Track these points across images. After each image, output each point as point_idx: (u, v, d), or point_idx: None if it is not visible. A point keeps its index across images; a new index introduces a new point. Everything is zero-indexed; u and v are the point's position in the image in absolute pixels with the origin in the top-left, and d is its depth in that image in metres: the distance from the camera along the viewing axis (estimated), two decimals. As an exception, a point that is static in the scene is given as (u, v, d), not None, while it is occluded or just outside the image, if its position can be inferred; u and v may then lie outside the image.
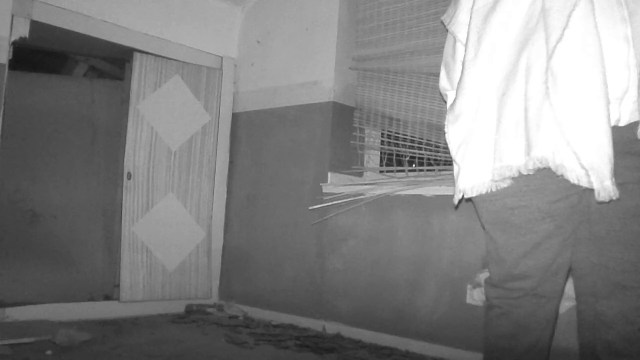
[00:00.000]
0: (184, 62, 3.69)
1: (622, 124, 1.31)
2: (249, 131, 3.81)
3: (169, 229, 3.59)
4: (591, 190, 1.25)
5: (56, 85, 4.26)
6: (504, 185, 1.36)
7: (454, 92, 1.53)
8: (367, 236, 3.10)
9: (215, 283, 3.80)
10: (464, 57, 1.44)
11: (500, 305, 1.46)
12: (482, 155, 1.38)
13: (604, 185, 1.22)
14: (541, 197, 1.36)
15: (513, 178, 1.34)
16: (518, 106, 1.31)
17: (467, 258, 2.71)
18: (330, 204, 3.19)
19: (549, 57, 1.25)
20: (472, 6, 1.44)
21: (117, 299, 3.45)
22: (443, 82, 1.64)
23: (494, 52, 1.37)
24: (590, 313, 1.38)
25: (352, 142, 3.36)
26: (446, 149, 2.95)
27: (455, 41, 1.55)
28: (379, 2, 3.25)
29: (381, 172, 3.32)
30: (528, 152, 1.28)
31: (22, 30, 2.98)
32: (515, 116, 1.31)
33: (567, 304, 2.15)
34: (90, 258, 4.18)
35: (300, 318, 3.33)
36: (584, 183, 1.24)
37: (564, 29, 1.24)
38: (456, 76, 1.53)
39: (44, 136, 4.16)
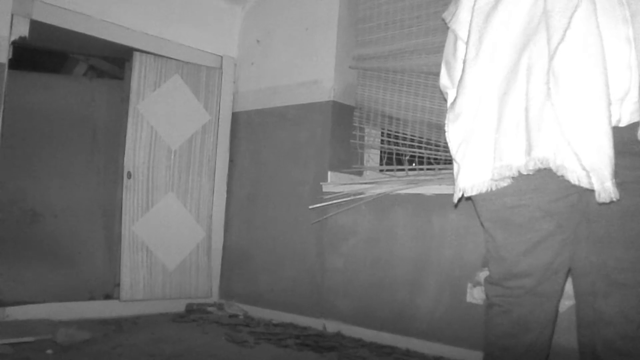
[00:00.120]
0: (183, 61, 3.69)
1: (622, 124, 1.31)
2: (249, 130, 3.81)
3: (169, 229, 3.59)
4: (591, 190, 1.25)
5: (56, 85, 4.26)
6: (504, 184, 1.37)
7: (455, 90, 1.53)
8: (367, 235, 3.11)
9: (216, 282, 3.80)
10: (465, 56, 1.44)
11: (500, 304, 1.46)
12: (482, 154, 1.38)
13: (604, 186, 1.22)
14: (541, 196, 1.37)
15: (513, 177, 1.34)
16: (519, 106, 1.31)
17: (467, 257, 2.71)
18: (330, 203, 3.19)
19: (551, 58, 1.25)
20: (474, 4, 1.44)
21: (118, 298, 3.45)
22: (444, 80, 1.64)
23: (495, 51, 1.37)
24: (589, 311, 1.39)
25: (352, 141, 3.36)
26: (446, 148, 2.95)
27: (456, 39, 1.55)
28: (378, 2, 3.25)
29: (381, 171, 3.32)
30: (529, 152, 1.28)
31: (22, 30, 2.98)
32: (516, 116, 1.31)
33: (567, 302, 2.15)
34: (90, 257, 4.18)
35: (300, 317, 3.33)
36: (584, 184, 1.24)
37: (566, 30, 1.24)
38: (457, 74, 1.53)
39: (44, 136, 4.16)
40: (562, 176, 1.27)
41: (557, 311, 1.50)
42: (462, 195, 1.45)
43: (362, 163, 3.40)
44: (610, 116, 1.23)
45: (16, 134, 3.72)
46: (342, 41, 3.39)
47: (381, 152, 3.38)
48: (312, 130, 3.42)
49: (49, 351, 2.49)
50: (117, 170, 4.03)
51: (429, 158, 3.05)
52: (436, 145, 3.01)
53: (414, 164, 3.16)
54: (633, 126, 1.31)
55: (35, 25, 3.03)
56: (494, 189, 1.38)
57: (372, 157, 3.42)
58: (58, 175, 4.19)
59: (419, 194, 2.90)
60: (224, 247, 3.85)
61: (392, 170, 3.23)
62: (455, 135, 1.46)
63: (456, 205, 1.62)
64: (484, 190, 1.39)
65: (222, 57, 3.89)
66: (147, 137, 3.53)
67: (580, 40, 1.24)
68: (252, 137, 3.79)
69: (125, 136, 3.50)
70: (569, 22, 1.24)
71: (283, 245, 3.50)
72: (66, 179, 4.22)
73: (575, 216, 1.40)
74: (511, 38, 1.34)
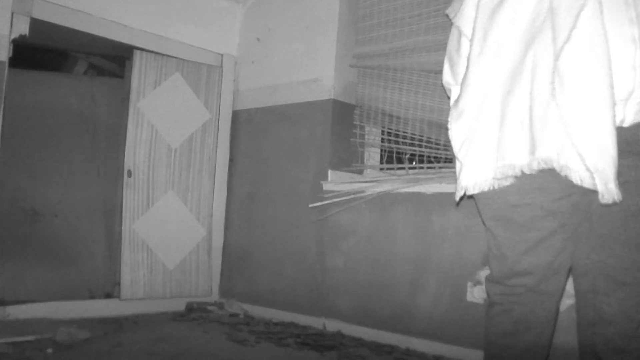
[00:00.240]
0: (184, 59, 3.68)
1: (626, 124, 1.31)
2: (249, 129, 3.80)
3: (170, 227, 3.59)
4: (594, 190, 1.25)
5: (56, 83, 4.26)
6: (506, 183, 1.36)
7: (458, 87, 1.52)
8: (368, 234, 3.10)
9: (216, 281, 3.80)
10: (469, 53, 1.43)
11: (501, 302, 1.46)
12: (484, 153, 1.38)
13: (608, 187, 1.22)
14: (544, 195, 1.36)
15: (515, 176, 1.34)
16: (523, 105, 1.30)
17: (468, 255, 2.71)
18: (330, 201, 3.18)
19: (556, 58, 1.25)
20: (479, 1, 1.43)
21: (118, 297, 3.45)
22: (447, 77, 1.63)
23: (499, 48, 1.36)
24: (589, 310, 1.38)
25: (352, 139, 3.35)
26: (447, 147, 2.96)
27: (460, 35, 1.54)
28: (379, 0, 3.24)
29: (381, 169, 3.32)
30: (532, 151, 1.28)
31: (22, 28, 2.98)
32: (519, 115, 1.31)
33: (568, 301, 2.15)
34: (90, 256, 4.18)
35: (300, 316, 3.33)
36: (587, 184, 1.24)
37: (572, 30, 1.24)
38: (460, 71, 1.53)
39: (44, 134, 4.16)
40: (566, 176, 1.26)
41: (557, 310, 1.50)
42: (464, 193, 1.45)
43: (362, 161, 3.40)
44: (614, 117, 1.23)
45: (16, 133, 3.72)
46: (342, 39, 3.38)
47: (381, 150, 3.37)
48: (312, 128, 3.42)
49: (50, 350, 2.49)
50: (117, 169, 4.03)
51: (429, 156, 3.04)
52: (436, 144, 3.00)
53: (414, 163, 3.15)
54: (637, 126, 1.31)
55: (35, 23, 3.02)
56: (496, 187, 1.37)
57: (372, 155, 3.41)
58: (58, 174, 4.19)
59: (419, 192, 2.90)
60: (224, 246, 3.84)
61: (392, 168, 3.22)
62: (458, 133, 1.45)
63: (458, 204, 1.61)
64: (486, 188, 1.39)
65: (222, 55, 3.88)
66: (147, 135, 3.52)
67: (587, 40, 1.24)
68: (252, 136, 3.78)
69: (125, 134, 3.50)
70: (576, 22, 1.24)
71: (283, 244, 3.50)
72: (66, 178, 4.22)
73: (578, 215, 1.39)
74: (516, 36, 1.34)
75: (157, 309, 3.52)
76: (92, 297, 3.88)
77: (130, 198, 3.46)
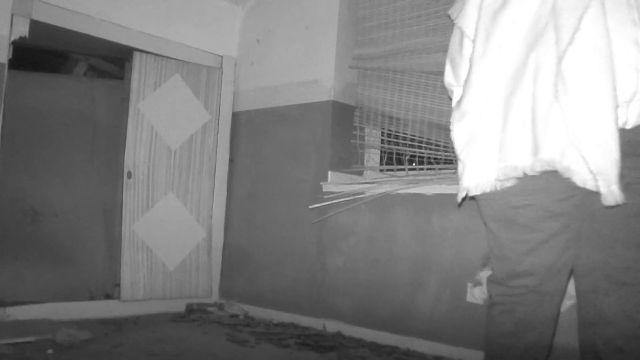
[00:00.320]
0: (184, 61, 3.69)
1: (629, 126, 1.32)
2: (249, 130, 3.81)
3: (170, 228, 3.59)
4: (596, 191, 1.25)
5: (56, 85, 4.26)
6: (508, 184, 1.36)
7: (460, 88, 1.52)
8: (368, 235, 3.10)
9: (216, 282, 3.80)
10: (472, 54, 1.43)
11: (502, 302, 1.46)
12: (486, 154, 1.38)
13: (610, 189, 1.23)
14: (546, 196, 1.36)
15: (518, 178, 1.34)
16: (525, 106, 1.31)
17: (468, 256, 2.71)
18: (330, 202, 3.19)
19: (560, 60, 1.25)
20: (481, 2, 1.43)
21: (118, 298, 3.45)
22: (448, 78, 1.63)
23: (502, 50, 1.36)
24: (590, 310, 1.39)
25: (352, 140, 3.35)
26: (446, 148, 2.96)
27: (462, 36, 1.54)
28: (379, 1, 3.25)
29: (381, 170, 3.32)
30: (535, 153, 1.28)
31: (22, 30, 2.98)
32: (522, 116, 1.31)
33: (568, 302, 2.15)
34: (90, 257, 4.18)
35: (300, 317, 3.33)
36: (590, 186, 1.24)
37: (575, 31, 1.24)
38: (462, 72, 1.52)
39: (44, 135, 4.16)
40: (569, 178, 1.27)
41: (559, 311, 1.50)
42: (466, 194, 1.45)
43: (362, 163, 3.40)
44: (617, 119, 1.23)
45: (16, 134, 3.72)
46: (342, 40, 3.39)
47: (381, 151, 3.38)
48: (312, 129, 3.42)
49: (50, 351, 2.49)
50: (117, 170, 4.03)
51: (429, 158, 3.05)
52: (436, 145, 3.00)
53: (414, 164, 3.15)
54: (639, 128, 1.32)
55: (35, 25, 3.02)
56: (498, 188, 1.38)
57: (372, 156, 3.41)
58: (58, 175, 4.20)
59: (419, 193, 2.90)
60: (224, 247, 3.85)
61: (392, 170, 3.23)
62: (461, 134, 1.45)
63: (460, 205, 1.61)
64: (488, 190, 1.38)
65: (222, 56, 3.88)
66: (147, 136, 3.53)
67: (590, 42, 1.24)
68: (252, 137, 3.79)
69: (125, 136, 3.50)
70: (579, 23, 1.24)
71: (283, 245, 3.50)
72: (66, 179, 4.22)
73: (580, 216, 1.40)
74: (519, 37, 1.34)
75: (157, 309, 3.52)
76: (92, 298, 3.88)
77: (130, 199, 3.46)
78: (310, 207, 3.26)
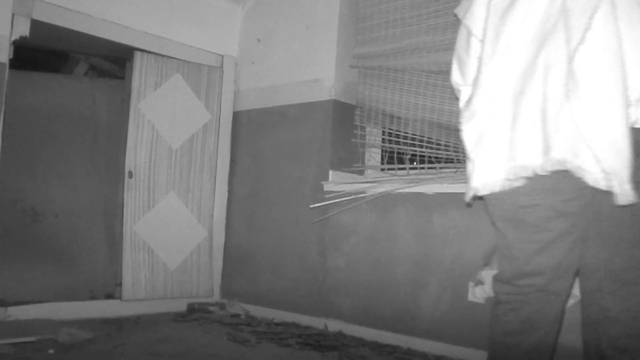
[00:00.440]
0: (184, 60, 3.69)
1: (639, 125, 1.31)
2: (250, 129, 3.81)
3: (171, 228, 3.59)
4: (605, 190, 1.25)
5: (57, 85, 4.26)
6: (518, 184, 1.36)
7: (468, 87, 1.52)
8: (369, 234, 3.10)
9: (217, 281, 3.80)
10: (481, 54, 1.42)
11: (509, 301, 1.45)
12: (496, 154, 1.37)
13: (623, 188, 1.22)
14: (556, 195, 1.36)
15: (527, 177, 1.33)
16: (535, 106, 1.30)
17: (469, 255, 2.71)
18: (331, 202, 3.18)
19: (570, 59, 1.25)
20: (489, 1, 1.42)
21: (119, 297, 3.45)
22: (455, 77, 1.62)
23: (511, 49, 1.36)
24: (595, 309, 1.38)
25: (353, 140, 3.35)
26: (447, 147, 2.96)
27: (469, 35, 1.53)
28: (379, 0, 3.24)
29: (382, 170, 3.32)
30: (546, 152, 1.27)
31: (23, 29, 2.98)
32: (532, 116, 1.30)
33: (571, 301, 2.15)
34: (92, 257, 4.18)
35: (302, 316, 3.33)
36: (602, 186, 1.24)
37: (587, 31, 1.24)
38: (470, 71, 1.52)
39: (45, 135, 4.16)
40: (579, 177, 1.26)
41: (564, 310, 1.49)
42: (475, 194, 1.44)
43: (363, 162, 3.40)
44: (627, 118, 1.23)
45: (17, 134, 3.72)
46: (342, 40, 3.39)
47: (382, 151, 3.38)
48: (313, 129, 3.42)
49: (51, 351, 2.49)
50: (118, 170, 4.03)
51: (430, 157, 3.04)
52: (437, 144, 3.00)
53: (415, 163, 3.15)
54: None
55: (35, 24, 3.02)
56: (507, 188, 1.37)
57: (373, 156, 3.41)
58: (59, 175, 4.19)
59: (420, 192, 2.90)
60: (225, 247, 3.85)
61: (393, 169, 3.22)
62: (471, 134, 1.44)
63: (469, 204, 1.61)
64: (497, 189, 1.38)
65: (222, 56, 3.88)
66: (148, 136, 3.53)
67: (600, 42, 1.23)
68: (253, 137, 3.78)
69: (126, 136, 3.50)
70: (590, 23, 1.23)
71: (284, 245, 3.50)
72: (67, 179, 4.22)
73: (588, 215, 1.39)
74: (528, 36, 1.33)
75: (158, 309, 3.52)
76: (93, 298, 3.88)
77: (131, 199, 3.46)
78: (311, 206, 3.26)
